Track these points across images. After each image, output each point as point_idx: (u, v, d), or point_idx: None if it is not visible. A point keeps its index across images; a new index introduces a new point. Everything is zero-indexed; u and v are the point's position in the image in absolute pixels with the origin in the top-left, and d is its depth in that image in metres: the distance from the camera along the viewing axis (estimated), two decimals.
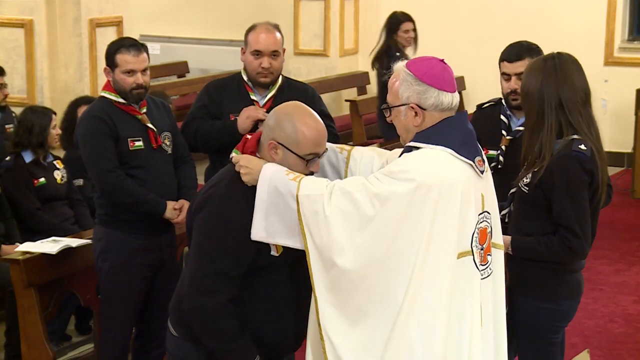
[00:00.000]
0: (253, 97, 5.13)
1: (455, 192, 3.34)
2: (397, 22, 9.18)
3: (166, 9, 13.07)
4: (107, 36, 8.22)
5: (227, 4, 12.61)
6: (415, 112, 3.42)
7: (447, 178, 3.34)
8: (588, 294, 7.01)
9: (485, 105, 4.94)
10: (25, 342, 5.23)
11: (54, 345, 5.77)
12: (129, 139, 4.99)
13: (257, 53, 5.05)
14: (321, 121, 3.62)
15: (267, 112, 4.23)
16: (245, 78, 5.16)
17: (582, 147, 4.03)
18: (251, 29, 5.13)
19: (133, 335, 5.26)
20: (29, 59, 8.37)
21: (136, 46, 5.00)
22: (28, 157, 6.29)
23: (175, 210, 4.98)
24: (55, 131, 6.35)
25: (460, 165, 3.40)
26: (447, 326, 3.34)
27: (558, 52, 4.19)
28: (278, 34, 5.13)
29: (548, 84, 4.06)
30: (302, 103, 3.68)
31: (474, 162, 3.42)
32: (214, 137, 5.10)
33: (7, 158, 6.29)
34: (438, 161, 3.37)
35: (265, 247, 3.54)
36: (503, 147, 4.68)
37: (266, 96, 5.12)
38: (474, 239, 3.42)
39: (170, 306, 3.79)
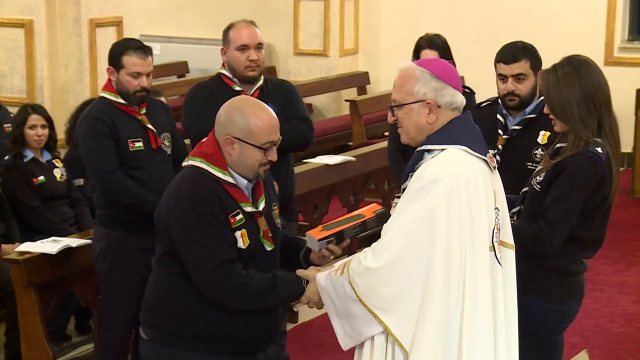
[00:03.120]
0: (237, 88, 5.12)
1: (479, 185, 3.38)
2: (417, 49, 6.08)
3: (166, 9, 13.06)
4: (107, 36, 8.23)
5: (227, 4, 12.60)
6: (430, 109, 3.44)
7: (469, 172, 3.37)
8: (588, 294, 6.93)
9: (483, 105, 4.96)
10: (25, 342, 5.23)
11: (54, 345, 5.76)
12: (129, 140, 4.99)
13: (243, 47, 5.09)
14: (271, 110, 3.69)
15: None
16: (227, 74, 5.15)
17: (599, 150, 4.03)
18: (230, 27, 5.17)
19: (133, 336, 5.26)
20: (29, 59, 8.36)
21: (143, 49, 4.99)
22: (28, 155, 6.28)
23: None
24: (35, 132, 6.21)
25: (476, 161, 3.42)
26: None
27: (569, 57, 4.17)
28: (257, 29, 5.19)
29: (584, 85, 4.06)
30: (248, 96, 3.76)
31: (486, 158, 3.46)
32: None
33: (6, 157, 6.28)
34: (455, 160, 3.39)
35: (233, 239, 3.60)
36: (500, 147, 4.70)
37: (252, 88, 5.13)
38: (494, 233, 3.44)
39: (141, 312, 3.83)
